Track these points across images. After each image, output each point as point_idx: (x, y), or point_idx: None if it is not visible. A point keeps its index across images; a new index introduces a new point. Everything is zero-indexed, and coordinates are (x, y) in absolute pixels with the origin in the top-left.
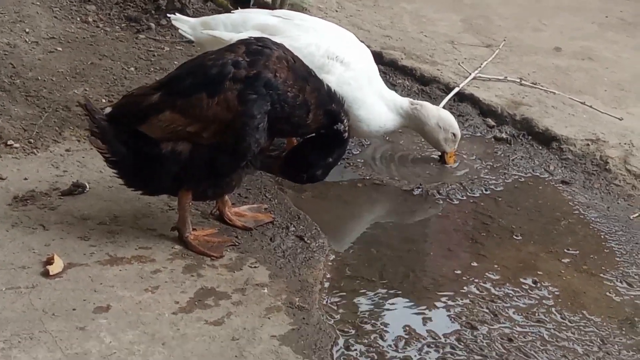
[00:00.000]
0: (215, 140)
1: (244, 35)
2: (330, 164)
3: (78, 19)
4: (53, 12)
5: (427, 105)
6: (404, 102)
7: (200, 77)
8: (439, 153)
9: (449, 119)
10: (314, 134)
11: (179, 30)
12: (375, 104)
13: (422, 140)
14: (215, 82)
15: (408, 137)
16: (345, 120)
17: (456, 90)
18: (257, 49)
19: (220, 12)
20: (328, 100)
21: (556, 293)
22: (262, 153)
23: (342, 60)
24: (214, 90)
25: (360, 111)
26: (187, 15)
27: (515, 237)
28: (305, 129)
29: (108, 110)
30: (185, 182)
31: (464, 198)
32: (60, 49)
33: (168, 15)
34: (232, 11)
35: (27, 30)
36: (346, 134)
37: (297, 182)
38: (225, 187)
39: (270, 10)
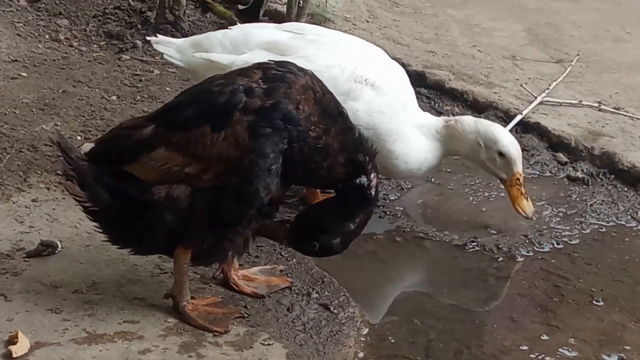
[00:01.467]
0: (218, 183)
1: (247, 57)
2: (351, 232)
3: (47, 36)
4: (16, 28)
5: (464, 118)
6: (438, 122)
7: (204, 107)
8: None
9: (491, 132)
10: (333, 192)
11: (164, 56)
12: (412, 135)
13: (477, 181)
14: (222, 113)
15: (459, 178)
16: (372, 175)
17: (518, 118)
18: (277, 74)
19: (222, 25)
20: (354, 148)
21: None
22: (273, 204)
23: (372, 83)
24: (220, 124)
25: (396, 145)
26: (182, 30)
27: (595, 303)
28: (319, 179)
29: (87, 147)
30: (183, 236)
31: (531, 254)
32: (25, 74)
33: (147, 38)
34: (230, 27)
35: None
36: (372, 192)
37: (308, 254)
38: (229, 246)
39: (278, 25)
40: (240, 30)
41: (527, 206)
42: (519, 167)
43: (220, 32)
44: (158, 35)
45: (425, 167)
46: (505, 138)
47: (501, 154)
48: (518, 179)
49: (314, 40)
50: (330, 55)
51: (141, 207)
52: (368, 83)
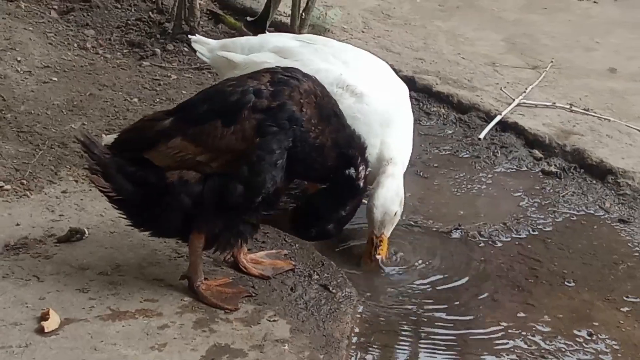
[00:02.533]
0: (225, 170)
1: (253, 57)
2: (343, 217)
3: (75, 45)
4: (47, 38)
5: (386, 181)
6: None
7: (217, 104)
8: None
9: (375, 194)
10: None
11: (197, 53)
12: (376, 147)
13: (461, 175)
14: (232, 110)
15: (444, 173)
16: (361, 167)
17: (498, 118)
18: (283, 78)
19: (233, 35)
20: (346, 143)
21: (615, 347)
22: (278, 195)
23: (353, 90)
24: (230, 119)
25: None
26: None
27: (567, 284)
28: (315, 172)
29: (109, 138)
30: (197, 220)
31: (509, 240)
32: (56, 78)
33: (189, 36)
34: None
35: (18, 58)
36: (360, 182)
37: (306, 239)
38: (237, 234)
39: (295, 35)
40: (261, 38)
41: (369, 264)
42: (375, 230)
43: (244, 38)
44: (196, 35)
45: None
46: (381, 198)
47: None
48: (371, 239)
49: (317, 49)
50: (322, 62)
51: (159, 191)
52: (349, 90)
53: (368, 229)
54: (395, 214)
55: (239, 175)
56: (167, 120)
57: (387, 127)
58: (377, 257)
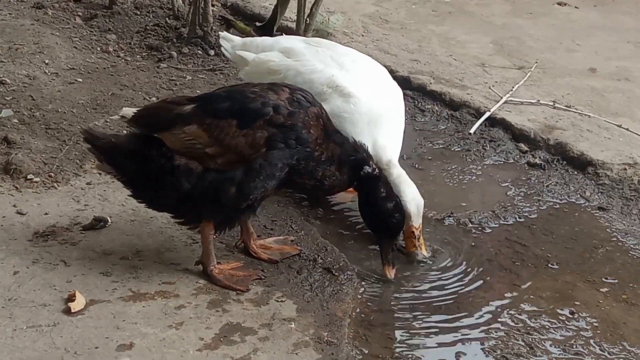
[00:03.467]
0: (227, 169)
1: (265, 56)
2: (394, 206)
3: (98, 48)
4: (73, 42)
5: (392, 169)
6: (384, 160)
7: (237, 105)
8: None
9: (399, 188)
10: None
11: (222, 48)
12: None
13: (453, 167)
14: (250, 116)
15: (438, 164)
16: (371, 162)
17: (487, 115)
18: (300, 98)
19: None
20: (354, 150)
21: (595, 324)
22: (262, 200)
23: (341, 91)
24: (246, 123)
25: None
26: (210, 43)
27: (550, 267)
28: (332, 181)
29: (128, 110)
30: (203, 212)
31: (497, 226)
32: (81, 79)
33: (219, 32)
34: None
35: (46, 61)
36: (377, 173)
37: (390, 237)
38: (238, 217)
39: (305, 38)
40: (275, 39)
41: (417, 255)
42: (414, 222)
43: (260, 38)
44: (225, 32)
45: None
46: (409, 193)
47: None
48: (413, 232)
49: (319, 51)
50: (319, 63)
51: (160, 169)
52: (337, 90)
53: (405, 226)
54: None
55: (235, 177)
56: (188, 106)
57: (376, 127)
58: (418, 248)
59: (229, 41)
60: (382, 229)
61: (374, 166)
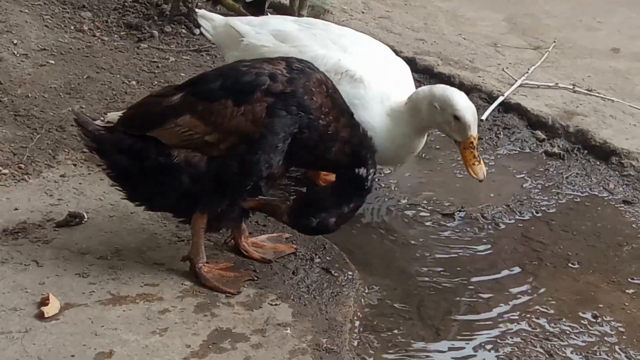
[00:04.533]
0: (231, 153)
1: (257, 40)
2: (345, 214)
3: (72, 27)
4: (44, 20)
5: (420, 88)
6: (400, 103)
7: (230, 82)
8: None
9: (446, 95)
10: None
11: (201, 29)
12: (385, 126)
13: None
14: (246, 90)
15: (447, 154)
16: (371, 170)
17: (500, 99)
18: (299, 67)
19: (231, 16)
20: (359, 142)
21: (620, 329)
22: (272, 180)
23: (352, 75)
24: (242, 99)
25: (370, 133)
26: (195, 21)
27: (571, 266)
28: (325, 162)
29: (114, 115)
30: (200, 202)
31: (512, 222)
32: (53, 61)
33: (196, 10)
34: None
35: (15, 41)
36: (368, 184)
37: (304, 232)
38: (238, 212)
39: (295, 18)
40: (263, 19)
41: (479, 169)
42: (472, 131)
43: (246, 18)
44: (202, 10)
45: (403, 154)
46: (460, 102)
47: (456, 118)
48: (472, 143)
49: (315, 34)
50: (320, 48)
51: (160, 169)
52: (348, 75)
53: (460, 138)
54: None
55: (236, 154)
56: (176, 96)
57: (383, 102)
58: (479, 162)
59: (209, 20)
60: (313, 215)
61: (371, 174)
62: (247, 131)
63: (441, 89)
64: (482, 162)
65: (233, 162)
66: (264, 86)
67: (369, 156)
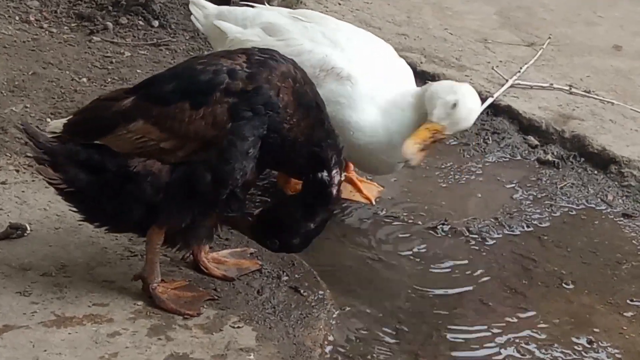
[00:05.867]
0: (191, 159)
1: (243, 35)
2: (311, 231)
3: (17, 17)
4: None
5: (436, 87)
6: (403, 95)
7: (185, 83)
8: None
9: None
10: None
11: (191, 17)
12: (379, 128)
13: (448, 164)
14: (203, 91)
15: (430, 161)
16: (334, 172)
17: (490, 101)
18: (260, 59)
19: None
20: (318, 142)
21: (617, 355)
22: (246, 188)
23: (338, 73)
24: (200, 101)
25: (358, 134)
26: (154, 12)
27: (565, 286)
28: (287, 167)
29: (57, 123)
30: (159, 215)
31: (501, 237)
32: None
33: None
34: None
35: None
36: (333, 190)
37: (269, 249)
38: (201, 229)
39: (291, 10)
40: (258, 10)
41: (414, 151)
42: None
43: (241, 8)
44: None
45: (399, 158)
46: (468, 97)
47: (454, 105)
48: (437, 130)
49: (307, 27)
50: (309, 42)
51: (118, 181)
52: (334, 72)
53: (434, 119)
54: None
55: (206, 162)
56: (127, 99)
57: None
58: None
59: (201, 8)
60: (275, 236)
61: (335, 178)
62: (208, 135)
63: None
64: (425, 152)
65: (206, 172)
66: (223, 85)
67: (331, 156)
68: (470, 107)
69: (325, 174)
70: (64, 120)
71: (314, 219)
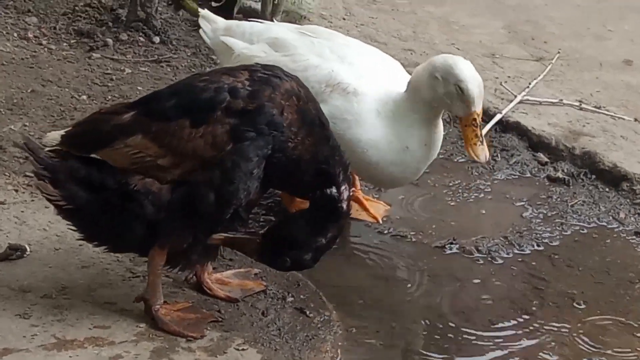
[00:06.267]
0: (188, 179)
1: (249, 50)
2: (322, 246)
3: (15, 34)
4: None
5: (419, 66)
6: (398, 98)
7: (186, 100)
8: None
9: (447, 63)
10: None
11: (200, 31)
12: (387, 141)
13: (456, 182)
14: (204, 109)
15: (437, 179)
16: (343, 187)
17: (498, 117)
18: (263, 77)
19: (195, 23)
20: (325, 159)
21: None
22: (249, 207)
23: (344, 89)
24: (200, 119)
25: (372, 152)
26: (155, 27)
27: (576, 306)
28: (292, 188)
29: (55, 135)
30: (160, 236)
31: (510, 256)
32: None
33: (200, 11)
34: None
35: None
36: (343, 205)
37: (277, 268)
38: (203, 250)
39: (298, 26)
40: (266, 25)
41: (481, 150)
42: (477, 106)
43: (248, 23)
44: (205, 9)
45: (415, 163)
46: (465, 70)
47: (460, 89)
48: (475, 119)
49: (314, 42)
50: (315, 57)
51: (118, 199)
52: (340, 87)
53: (463, 114)
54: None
55: (209, 182)
56: (127, 114)
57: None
58: (481, 143)
59: (211, 22)
60: (285, 254)
61: (344, 193)
62: (206, 155)
63: (442, 57)
64: (485, 142)
65: (209, 191)
66: (224, 104)
67: (339, 172)
68: (471, 76)
69: (334, 190)
70: (62, 132)
71: (325, 235)
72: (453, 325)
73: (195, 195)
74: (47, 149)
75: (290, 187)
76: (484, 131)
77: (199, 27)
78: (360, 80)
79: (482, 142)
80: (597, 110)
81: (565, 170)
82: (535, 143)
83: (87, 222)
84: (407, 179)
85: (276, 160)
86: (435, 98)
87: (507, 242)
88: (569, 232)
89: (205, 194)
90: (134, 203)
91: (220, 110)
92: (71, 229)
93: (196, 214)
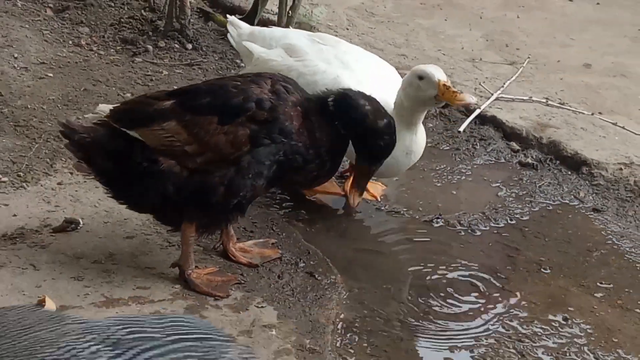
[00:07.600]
0: (207, 169)
1: (267, 55)
2: (384, 125)
3: (70, 42)
4: (43, 35)
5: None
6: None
7: (219, 100)
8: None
9: (411, 72)
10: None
11: (228, 35)
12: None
13: (442, 166)
14: (232, 112)
15: (425, 164)
16: (330, 97)
17: (477, 112)
18: (280, 89)
19: (222, 33)
20: (315, 102)
21: (589, 331)
22: (251, 200)
23: None
24: (227, 119)
25: None
26: (188, 36)
27: (543, 271)
28: (310, 181)
29: (104, 107)
30: (186, 213)
31: (487, 229)
32: (51, 74)
33: (227, 16)
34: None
35: (15, 55)
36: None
37: (378, 158)
38: (226, 218)
39: (310, 33)
40: (284, 31)
41: (465, 96)
42: (439, 76)
43: (268, 29)
44: (233, 16)
45: (402, 158)
46: (421, 66)
47: (420, 77)
48: (445, 85)
49: (323, 49)
50: (323, 63)
51: (143, 173)
52: None
53: (436, 91)
54: None
55: (223, 176)
56: (168, 101)
57: None
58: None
59: (237, 28)
60: (369, 150)
61: (340, 90)
62: (225, 151)
63: (409, 72)
64: (464, 92)
65: (220, 184)
66: (250, 112)
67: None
68: (427, 65)
69: (330, 96)
70: (111, 107)
71: (376, 114)
72: (439, 285)
73: (208, 184)
74: (96, 120)
75: (304, 173)
76: (466, 124)
77: (226, 35)
78: (359, 86)
79: (461, 91)
80: (561, 106)
81: (534, 157)
82: (509, 134)
83: (115, 186)
84: (393, 176)
85: (289, 160)
86: (411, 99)
87: (484, 217)
88: (537, 209)
89: (217, 185)
90: (156, 178)
91: (246, 116)
92: (108, 195)
93: (204, 201)
